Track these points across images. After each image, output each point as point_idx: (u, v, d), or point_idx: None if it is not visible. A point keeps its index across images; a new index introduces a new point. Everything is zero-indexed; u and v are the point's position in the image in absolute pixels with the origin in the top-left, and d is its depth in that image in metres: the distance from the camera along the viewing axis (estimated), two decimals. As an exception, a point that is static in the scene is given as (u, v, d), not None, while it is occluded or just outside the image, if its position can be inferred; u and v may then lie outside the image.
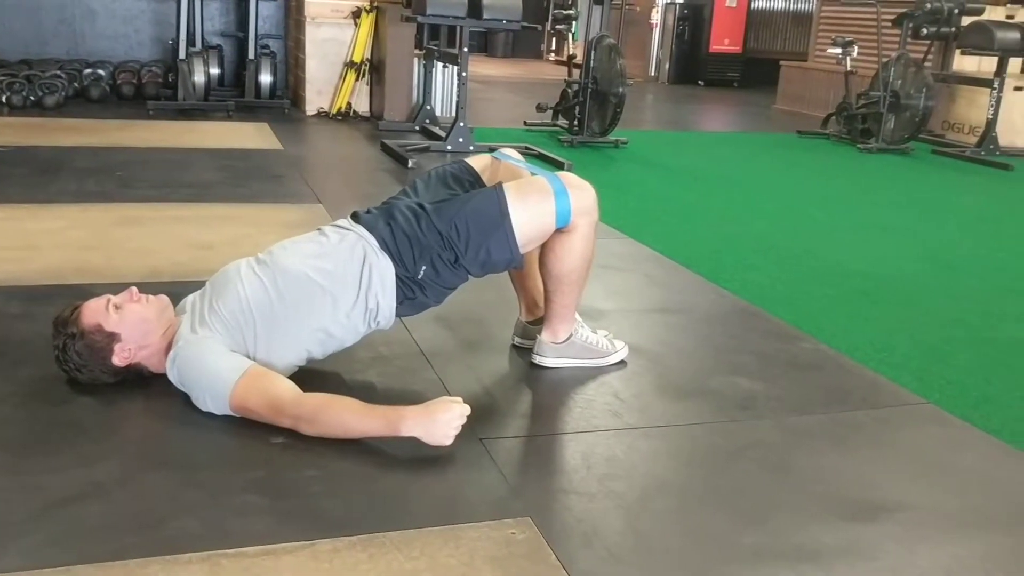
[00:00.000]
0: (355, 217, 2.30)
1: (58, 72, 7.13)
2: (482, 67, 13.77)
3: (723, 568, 1.65)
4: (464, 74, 5.94)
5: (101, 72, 7.51)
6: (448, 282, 2.25)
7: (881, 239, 4.39)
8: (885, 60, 7.24)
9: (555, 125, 7.16)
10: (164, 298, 2.24)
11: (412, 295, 2.22)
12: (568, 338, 2.49)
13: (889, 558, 1.70)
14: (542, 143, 6.35)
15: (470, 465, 1.95)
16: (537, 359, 2.51)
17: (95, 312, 2.14)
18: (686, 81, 12.64)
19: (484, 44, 16.68)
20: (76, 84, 7.28)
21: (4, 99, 6.66)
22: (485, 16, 5.75)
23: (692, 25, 12.59)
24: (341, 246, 2.21)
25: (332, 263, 2.19)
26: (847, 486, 1.97)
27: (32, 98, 6.74)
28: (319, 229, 2.31)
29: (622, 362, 2.56)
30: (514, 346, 2.65)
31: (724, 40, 12.57)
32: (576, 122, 6.73)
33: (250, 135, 6.15)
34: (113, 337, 2.13)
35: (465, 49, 5.89)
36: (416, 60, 7.08)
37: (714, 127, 9.29)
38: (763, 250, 4.00)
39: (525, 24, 5.93)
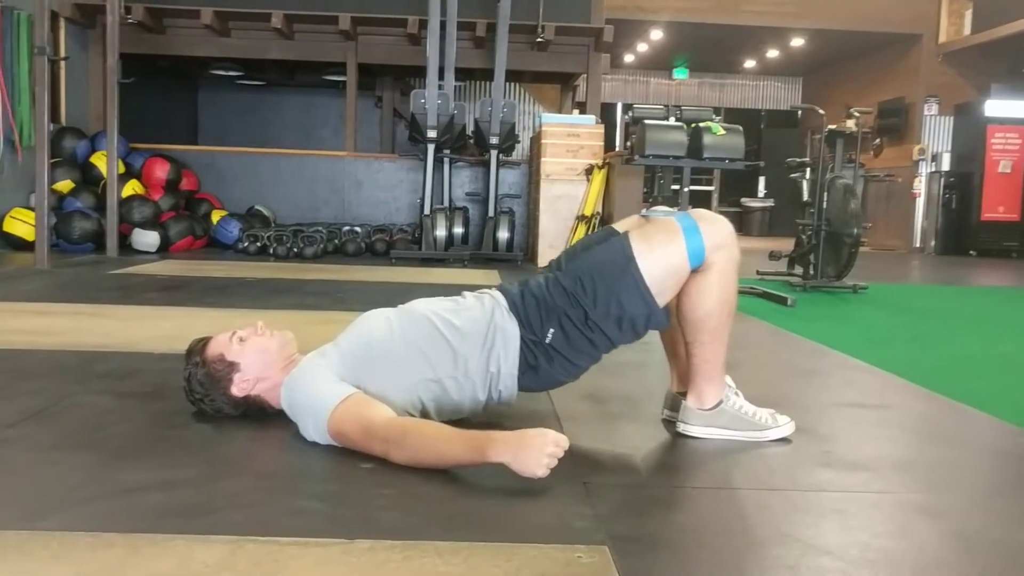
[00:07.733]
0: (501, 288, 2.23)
1: (320, 228, 7.88)
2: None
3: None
4: (684, 213, 5.85)
5: (358, 229, 8.20)
6: (582, 349, 2.07)
7: None
8: None
9: (791, 274, 6.80)
10: (288, 333, 2.24)
11: (536, 362, 2.07)
12: (717, 404, 2.20)
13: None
14: (773, 289, 6.02)
15: (560, 498, 1.71)
16: (682, 427, 2.23)
17: (219, 343, 2.18)
18: (955, 252, 11.72)
19: (740, 224, 16.53)
20: (336, 241, 7.97)
21: (271, 251, 7.40)
22: (705, 156, 5.69)
23: (960, 193, 11.78)
24: (474, 306, 2.14)
25: (461, 320, 2.11)
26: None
27: (295, 250, 7.43)
28: (463, 293, 2.25)
29: (786, 439, 2.22)
30: (664, 420, 2.37)
31: (998, 208, 11.64)
32: (811, 267, 6.36)
33: (475, 277, 6.35)
34: (233, 367, 2.14)
35: (686, 189, 5.82)
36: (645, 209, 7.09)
37: (974, 283, 8.41)
38: (1001, 365, 3.45)
39: (748, 163, 5.80)
